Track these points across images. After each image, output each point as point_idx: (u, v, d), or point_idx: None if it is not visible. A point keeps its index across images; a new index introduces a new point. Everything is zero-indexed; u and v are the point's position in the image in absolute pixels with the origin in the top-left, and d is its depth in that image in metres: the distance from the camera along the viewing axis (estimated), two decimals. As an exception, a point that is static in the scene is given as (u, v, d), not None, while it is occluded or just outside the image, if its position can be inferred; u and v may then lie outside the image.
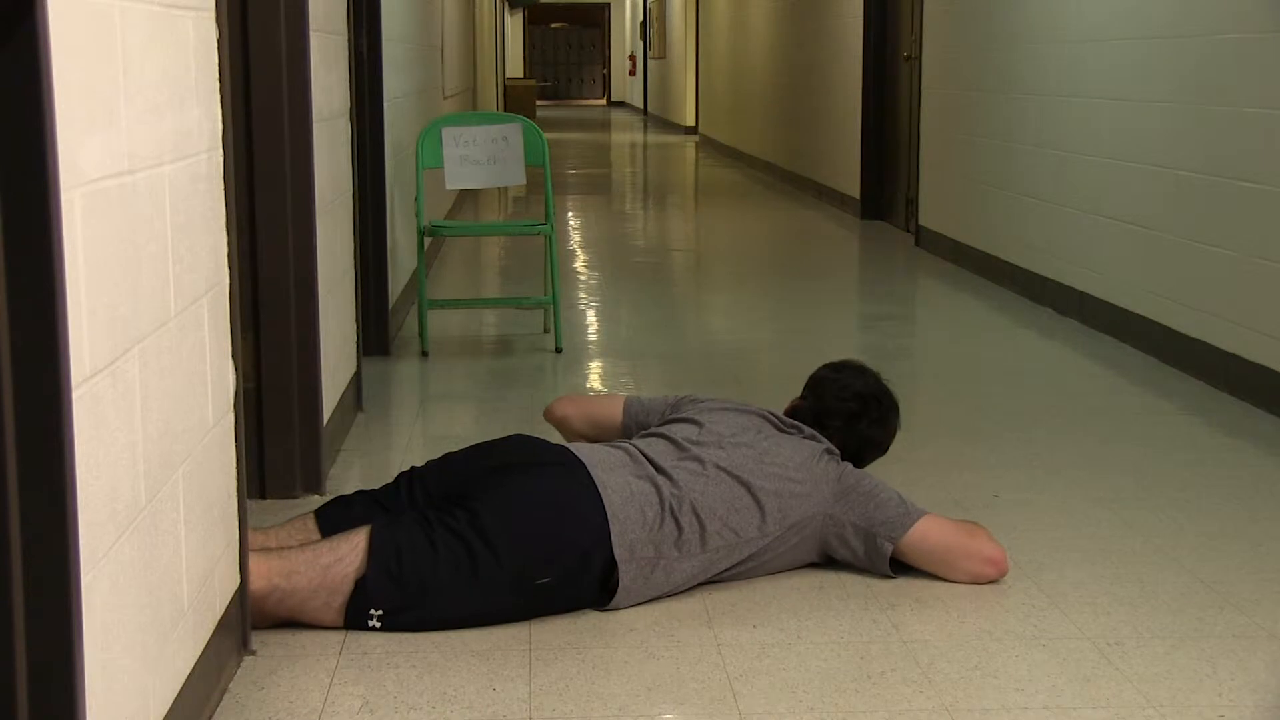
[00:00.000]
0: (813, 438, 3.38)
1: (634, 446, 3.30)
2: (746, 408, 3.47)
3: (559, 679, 2.79)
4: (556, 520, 3.05)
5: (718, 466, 3.21)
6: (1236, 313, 5.13)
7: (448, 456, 3.30)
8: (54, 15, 1.80)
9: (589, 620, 3.07)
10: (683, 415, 3.45)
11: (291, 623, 2.99)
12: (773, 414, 3.46)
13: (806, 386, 3.60)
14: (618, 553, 3.05)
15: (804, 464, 3.28)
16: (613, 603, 3.09)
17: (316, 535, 3.14)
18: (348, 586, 2.94)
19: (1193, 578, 3.34)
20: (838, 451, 3.39)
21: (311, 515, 3.22)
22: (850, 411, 3.49)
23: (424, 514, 3.06)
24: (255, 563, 2.91)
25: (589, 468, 3.14)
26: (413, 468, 3.32)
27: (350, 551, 2.96)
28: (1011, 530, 3.65)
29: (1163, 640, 2.98)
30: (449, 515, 3.02)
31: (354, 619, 2.97)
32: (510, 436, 3.41)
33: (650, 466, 3.20)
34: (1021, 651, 2.92)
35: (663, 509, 3.11)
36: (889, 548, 3.21)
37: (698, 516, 3.13)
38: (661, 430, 3.41)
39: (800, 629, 3.03)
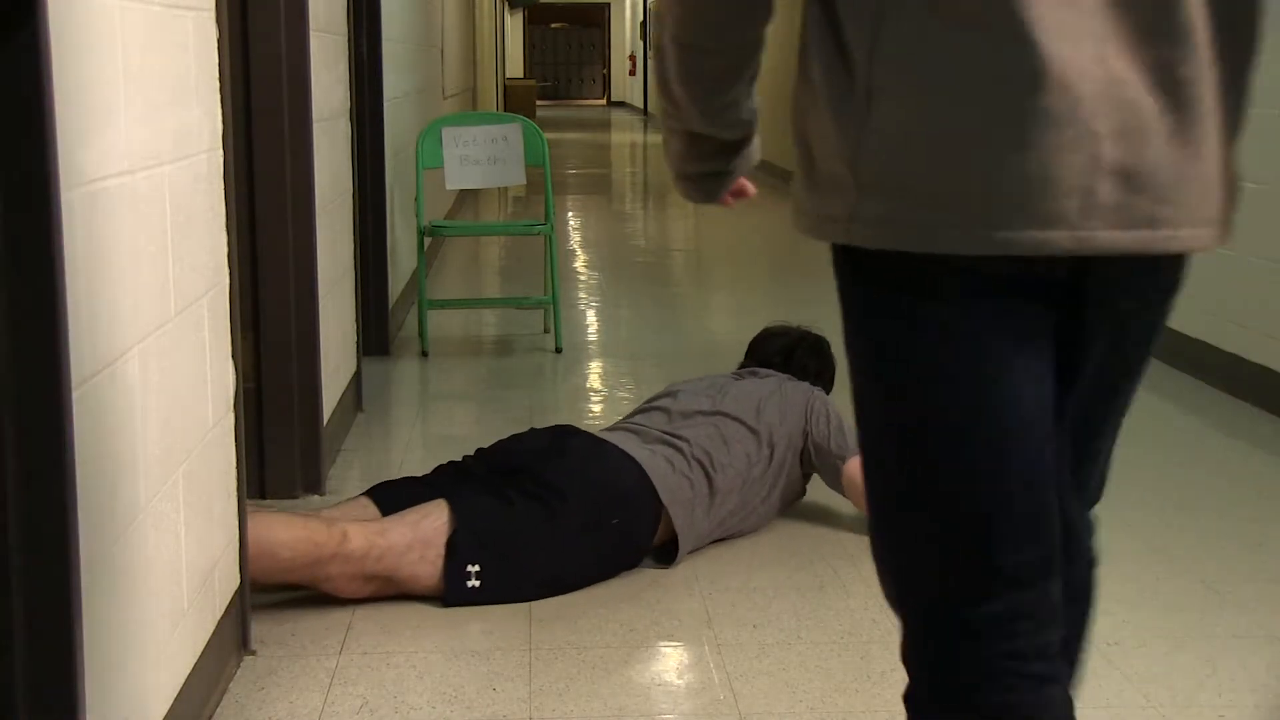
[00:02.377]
0: (769, 375, 3.81)
1: (630, 425, 3.61)
2: (701, 378, 3.88)
3: (559, 679, 2.79)
4: (610, 470, 3.31)
5: (707, 414, 3.57)
6: (1236, 313, 5.13)
7: (480, 450, 3.50)
8: (54, 15, 1.80)
9: (589, 620, 3.07)
10: (654, 403, 3.77)
11: (395, 593, 3.12)
12: (728, 375, 3.89)
13: (746, 354, 4.10)
14: (663, 497, 3.31)
15: (775, 390, 3.69)
16: (679, 552, 3.36)
17: (376, 513, 3.25)
18: (440, 539, 3.09)
19: (1193, 578, 3.34)
20: (794, 378, 3.84)
21: (365, 497, 3.33)
22: (784, 347, 3.99)
23: (489, 483, 3.27)
24: (350, 526, 3.05)
25: (613, 443, 3.41)
26: (451, 461, 3.49)
27: (435, 511, 3.13)
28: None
29: (1163, 640, 2.98)
30: (512, 481, 3.25)
31: (454, 579, 3.10)
32: (528, 431, 3.61)
33: (654, 433, 3.51)
34: (1021, 651, 2.92)
35: (686, 459, 3.41)
36: (840, 465, 3.57)
37: (711, 458, 3.44)
38: (644, 411, 3.73)
39: (800, 629, 3.03)
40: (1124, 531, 3.66)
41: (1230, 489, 4.05)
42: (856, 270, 1.49)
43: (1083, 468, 1.62)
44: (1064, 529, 1.54)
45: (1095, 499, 1.68)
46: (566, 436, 3.43)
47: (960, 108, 1.39)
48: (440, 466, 3.47)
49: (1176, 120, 1.43)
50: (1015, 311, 1.45)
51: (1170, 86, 1.42)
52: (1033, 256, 1.41)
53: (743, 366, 4.05)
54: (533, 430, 3.58)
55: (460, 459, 3.50)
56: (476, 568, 3.10)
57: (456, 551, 3.09)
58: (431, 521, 3.11)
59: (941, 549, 1.50)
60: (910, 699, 1.54)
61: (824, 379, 3.98)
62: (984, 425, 1.46)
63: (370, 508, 3.27)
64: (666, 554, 3.38)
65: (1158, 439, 4.59)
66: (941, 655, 1.50)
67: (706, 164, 1.72)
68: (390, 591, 3.11)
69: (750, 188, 1.83)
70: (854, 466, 3.48)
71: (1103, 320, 1.53)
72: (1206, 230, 1.50)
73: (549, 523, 3.16)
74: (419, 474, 3.48)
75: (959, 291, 1.44)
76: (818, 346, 4.03)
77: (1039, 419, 1.48)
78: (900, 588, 1.55)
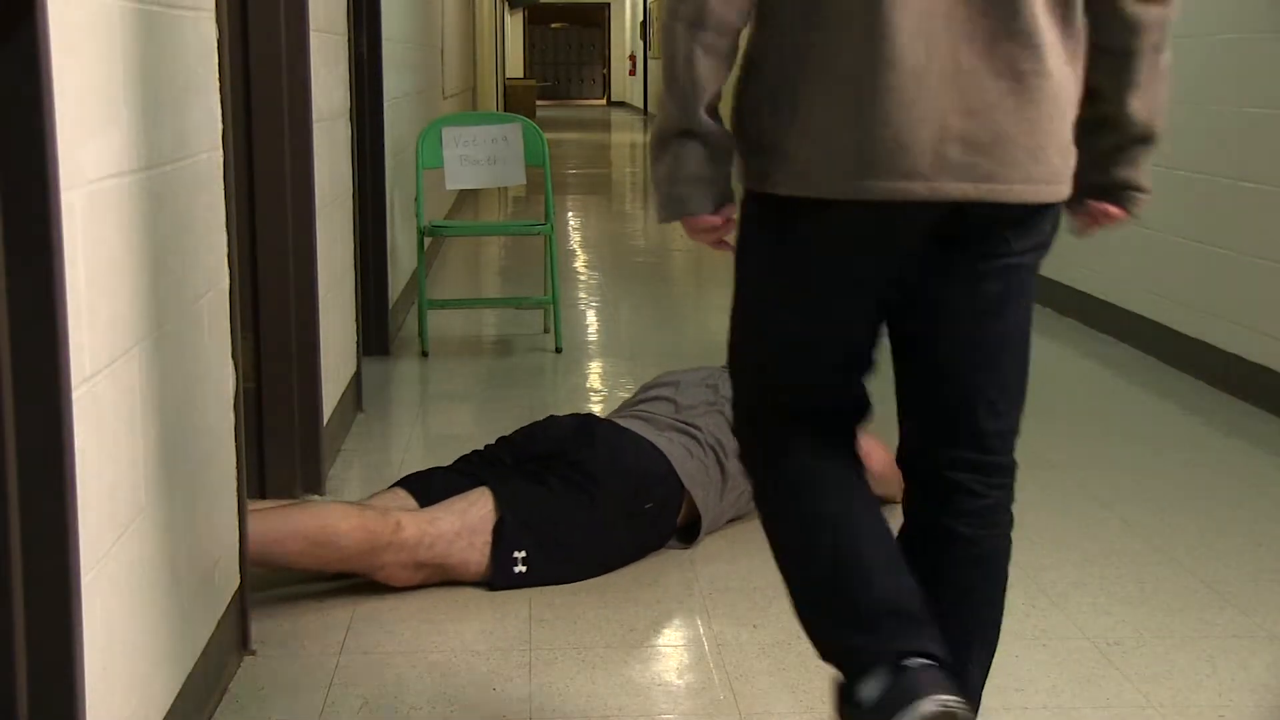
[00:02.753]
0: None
1: (640, 414, 3.70)
2: (697, 368, 4.00)
3: (559, 679, 2.79)
4: (638, 456, 3.43)
5: (711, 404, 3.69)
6: (1236, 313, 5.13)
7: (502, 439, 3.62)
8: (54, 15, 1.80)
9: (589, 620, 3.07)
10: (656, 391, 3.88)
11: (444, 580, 3.21)
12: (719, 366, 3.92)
13: None
14: (685, 481, 3.44)
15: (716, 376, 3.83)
16: (700, 532, 3.49)
17: (414, 503, 3.32)
18: (487, 526, 3.19)
19: (1193, 578, 3.34)
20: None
21: (400, 488, 3.41)
22: None
23: (526, 471, 3.37)
24: (402, 515, 3.14)
25: (634, 431, 3.53)
26: (475, 450, 3.60)
27: (480, 498, 3.23)
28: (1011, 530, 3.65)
29: (1163, 640, 2.98)
30: (548, 469, 3.35)
31: (501, 564, 3.20)
32: (548, 419, 3.73)
33: (666, 421, 3.62)
34: (1021, 651, 2.92)
35: (701, 446, 3.54)
36: None
37: (722, 445, 3.54)
38: (648, 400, 3.82)
39: (800, 629, 3.03)
40: (1124, 531, 3.66)
41: (1230, 488, 4.05)
42: (769, 209, 1.99)
43: (987, 386, 2.04)
44: (978, 437, 2.05)
45: (1016, 432, 2.09)
46: (591, 424, 3.56)
47: (840, 93, 1.88)
48: (465, 456, 3.58)
49: (1016, 101, 1.89)
50: (876, 250, 1.98)
51: (1014, 76, 1.88)
52: (903, 203, 1.89)
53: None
54: (553, 418, 3.72)
55: (483, 448, 3.61)
56: (523, 553, 3.21)
57: (504, 537, 3.20)
58: (478, 509, 3.21)
59: (754, 375, 2.14)
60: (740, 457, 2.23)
61: None
62: (812, 312, 2.03)
63: (407, 498, 3.35)
64: (687, 534, 3.53)
65: (1158, 439, 4.59)
66: (748, 428, 2.18)
67: (700, 168, 1.99)
68: (438, 579, 3.20)
69: (733, 212, 2.06)
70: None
71: (958, 264, 1.98)
72: (1044, 186, 1.94)
73: (588, 508, 3.29)
74: (439, 466, 3.57)
75: (839, 229, 1.96)
76: None
77: (861, 332, 2.08)
78: (734, 392, 2.19)
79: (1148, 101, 2.05)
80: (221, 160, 2.79)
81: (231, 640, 2.81)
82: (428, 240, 6.80)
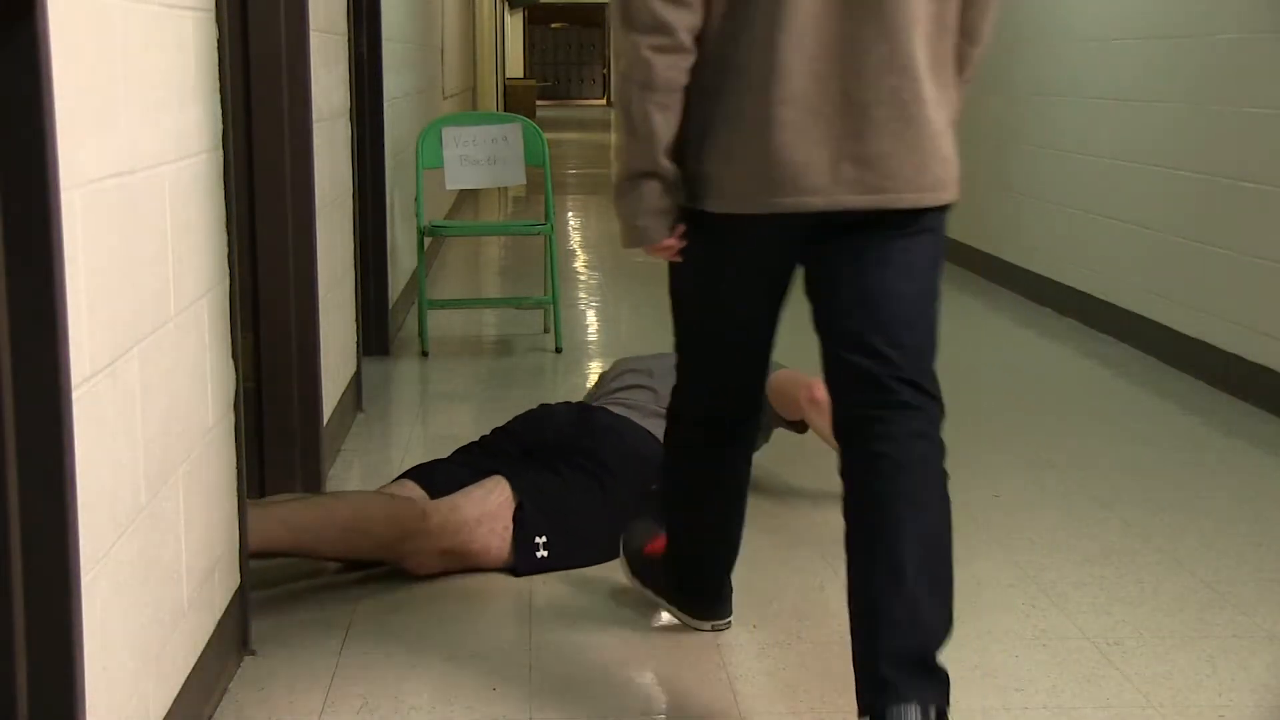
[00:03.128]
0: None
1: (622, 400, 3.74)
2: (665, 354, 4.03)
3: (559, 679, 2.79)
4: (638, 441, 3.50)
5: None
6: (1236, 313, 5.13)
7: (499, 429, 3.67)
8: (54, 15, 1.80)
9: (589, 620, 3.07)
10: (630, 380, 3.91)
11: (466, 566, 3.27)
12: None
13: None
14: None
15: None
16: None
17: (424, 495, 3.35)
18: (507, 513, 3.26)
19: (1193, 578, 3.34)
20: None
21: (408, 480, 3.43)
22: None
23: (536, 459, 3.42)
24: (427, 504, 3.21)
25: (629, 418, 3.60)
26: (471, 442, 3.64)
27: (497, 487, 3.29)
28: (1011, 530, 3.65)
29: (1163, 640, 2.98)
30: (559, 457, 3.41)
31: (524, 549, 3.27)
32: (541, 407, 3.79)
33: (651, 409, 3.66)
34: (1021, 651, 2.92)
35: None
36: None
37: None
38: (626, 387, 3.87)
39: (800, 629, 3.03)
40: (1124, 531, 3.66)
41: (1230, 488, 4.05)
42: (699, 223, 2.43)
43: (893, 330, 2.41)
44: (882, 361, 2.41)
45: (926, 358, 2.48)
46: (589, 413, 3.64)
47: (750, 129, 2.31)
48: (464, 447, 3.62)
49: (899, 125, 2.31)
50: (780, 249, 2.47)
51: (896, 103, 2.30)
52: (802, 213, 2.34)
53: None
54: (546, 406, 3.78)
55: (479, 440, 3.65)
56: (544, 539, 3.28)
57: (525, 524, 3.27)
58: (496, 497, 3.27)
59: (694, 369, 2.68)
60: (670, 434, 2.78)
61: None
62: (731, 310, 2.57)
63: (416, 489, 3.39)
64: None
65: (1158, 439, 4.59)
66: (683, 416, 2.73)
67: (659, 202, 2.41)
68: (460, 566, 3.26)
69: (680, 231, 2.46)
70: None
71: (845, 249, 2.41)
72: (927, 194, 2.36)
73: (600, 494, 3.37)
74: (439, 459, 3.60)
75: (753, 235, 2.42)
76: None
77: (764, 318, 2.59)
78: (679, 381, 2.72)
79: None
80: (221, 160, 2.79)
81: (231, 640, 2.81)
82: (428, 240, 6.80)
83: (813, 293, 2.50)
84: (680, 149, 2.40)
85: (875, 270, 2.40)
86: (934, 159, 2.35)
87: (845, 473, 2.42)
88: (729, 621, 2.99)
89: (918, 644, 2.25)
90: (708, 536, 2.85)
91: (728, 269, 2.50)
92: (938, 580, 2.32)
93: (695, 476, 2.78)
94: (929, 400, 2.44)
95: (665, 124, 2.36)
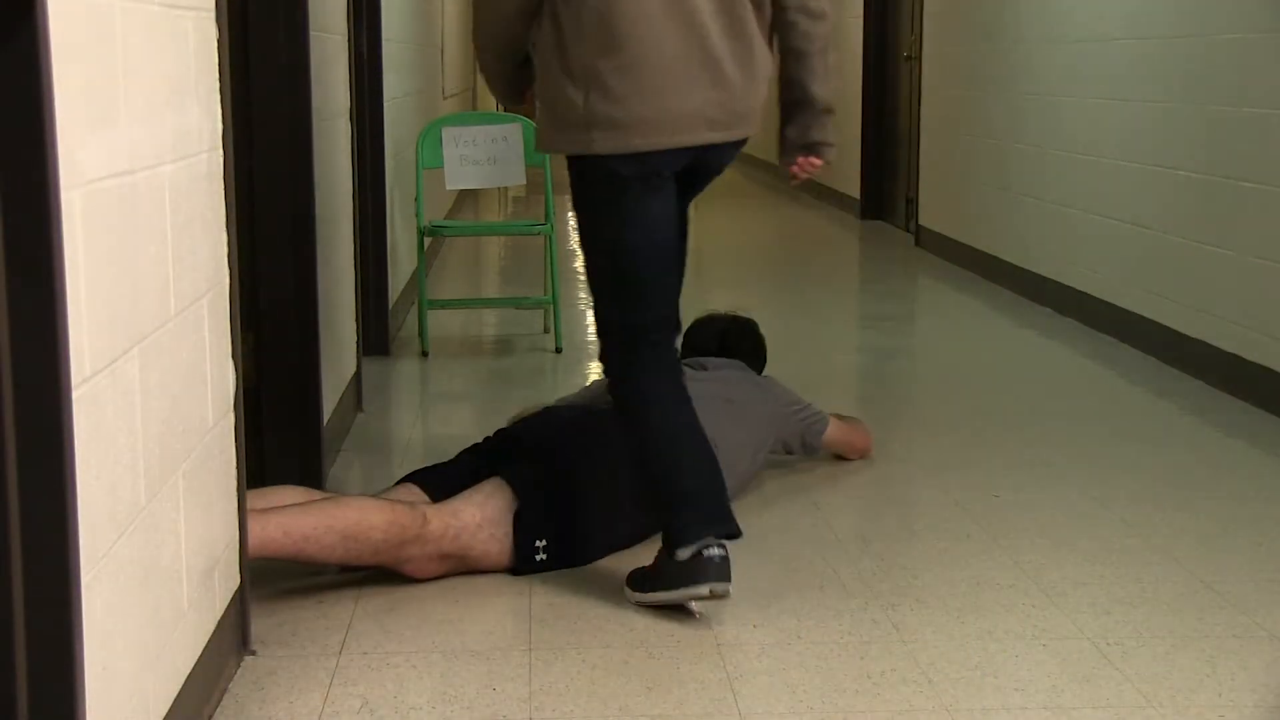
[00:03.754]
0: (715, 370, 4.03)
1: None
2: None
3: (559, 679, 2.79)
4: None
5: (707, 399, 3.71)
6: (1236, 313, 5.13)
7: (501, 430, 3.66)
8: (54, 15, 1.80)
9: (589, 620, 3.07)
10: None
11: (465, 570, 3.28)
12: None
13: (682, 344, 4.41)
14: None
15: (749, 382, 4.01)
16: None
17: (426, 498, 3.36)
18: (506, 517, 3.26)
19: (1193, 578, 3.34)
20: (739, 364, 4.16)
21: (410, 484, 3.44)
22: (719, 333, 4.28)
23: (535, 460, 3.41)
24: (427, 509, 3.22)
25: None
26: (474, 444, 3.64)
27: (497, 490, 3.30)
28: (1011, 530, 3.65)
29: (1163, 640, 2.98)
30: (560, 459, 3.40)
31: (523, 552, 3.28)
32: (541, 410, 3.80)
33: None
34: (1021, 651, 2.92)
35: None
36: (818, 441, 4.11)
37: (713, 440, 3.51)
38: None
39: (800, 629, 3.03)
40: (1124, 530, 3.66)
41: (1230, 488, 4.05)
42: (591, 165, 3.06)
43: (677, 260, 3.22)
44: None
45: (681, 271, 3.25)
46: (588, 413, 3.65)
47: (639, 86, 2.99)
48: (467, 449, 3.62)
49: (742, 78, 3.08)
50: (662, 182, 3.09)
51: (740, 63, 3.07)
52: (685, 147, 3.06)
53: (682, 358, 4.25)
54: (545, 409, 3.80)
55: (482, 440, 3.65)
56: (543, 541, 3.30)
57: (524, 527, 3.28)
58: (496, 500, 3.28)
59: (614, 301, 3.18)
60: (608, 375, 3.28)
61: (758, 356, 4.30)
62: (638, 240, 3.11)
63: (419, 493, 3.39)
64: None
65: (1158, 439, 4.59)
66: (612, 352, 3.21)
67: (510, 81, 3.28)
68: (460, 569, 3.27)
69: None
70: (828, 439, 4.12)
71: (702, 177, 3.21)
72: (751, 129, 3.15)
73: (600, 491, 3.38)
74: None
75: (638, 172, 3.05)
76: (748, 328, 4.34)
77: (668, 238, 3.15)
78: (597, 320, 3.22)
79: (824, 86, 3.18)
80: (221, 160, 2.79)
81: (231, 640, 2.82)
82: (428, 240, 6.80)
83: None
84: (560, 107, 3.05)
85: (683, 219, 3.26)
86: (758, 104, 3.15)
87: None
88: (728, 587, 3.05)
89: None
90: (679, 431, 3.17)
91: (629, 198, 3.08)
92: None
93: (640, 383, 3.18)
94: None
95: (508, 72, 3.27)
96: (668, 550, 3.09)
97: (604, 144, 3.00)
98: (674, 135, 3.02)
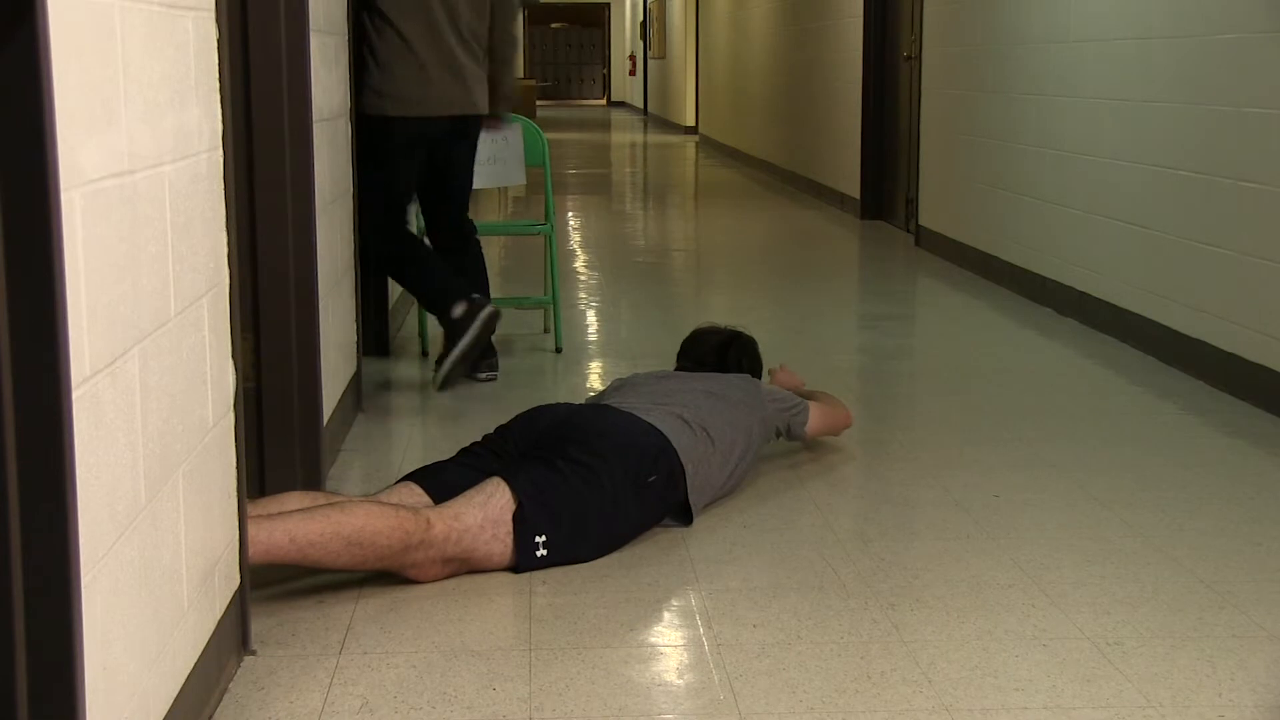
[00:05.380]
0: (716, 371, 4.20)
1: (621, 406, 3.75)
2: (665, 375, 4.20)
3: (559, 679, 2.79)
4: (634, 433, 3.56)
5: (692, 393, 3.87)
6: (1236, 313, 5.13)
7: (501, 428, 3.71)
8: (54, 15, 1.80)
9: (589, 620, 3.07)
10: (628, 391, 3.95)
11: (467, 571, 3.30)
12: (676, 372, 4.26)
13: (679, 355, 4.47)
14: (681, 455, 3.59)
15: (738, 381, 4.06)
16: (693, 509, 3.65)
17: (427, 498, 3.40)
18: (507, 516, 3.29)
19: (1193, 578, 3.34)
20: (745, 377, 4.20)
21: (411, 483, 3.48)
22: (718, 346, 4.34)
23: (534, 458, 3.45)
24: (430, 513, 3.23)
25: (624, 410, 3.69)
26: (474, 442, 3.69)
27: (497, 489, 3.32)
28: (1011, 530, 3.65)
29: (1163, 640, 2.98)
30: (557, 453, 3.45)
31: (523, 549, 3.31)
32: (536, 409, 3.82)
33: (649, 406, 3.73)
34: (1021, 651, 2.92)
35: (688, 424, 3.69)
36: (801, 431, 4.21)
37: (706, 429, 3.73)
38: (619, 393, 3.92)
39: (800, 629, 3.03)
40: (1123, 531, 3.66)
41: (1230, 488, 4.05)
42: (380, 122, 5.11)
43: (453, 201, 5.50)
44: (454, 225, 5.58)
45: (463, 213, 5.56)
46: (585, 408, 3.73)
47: (411, 74, 5.12)
48: (467, 447, 3.66)
49: (471, 73, 5.26)
50: (416, 143, 5.21)
51: (472, 61, 5.28)
52: (435, 117, 5.20)
53: (679, 368, 4.38)
54: (540, 407, 3.81)
55: (482, 439, 3.68)
56: (543, 538, 3.32)
57: (524, 524, 3.30)
58: (497, 500, 3.30)
59: (373, 204, 5.15)
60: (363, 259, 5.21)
61: (754, 374, 4.35)
62: (396, 180, 5.23)
63: (420, 493, 3.43)
64: (685, 514, 3.66)
65: (1157, 439, 4.59)
66: (369, 224, 5.15)
67: None
68: (464, 570, 3.29)
69: None
70: (811, 427, 4.22)
71: (450, 146, 5.33)
72: (482, 107, 5.34)
73: (598, 487, 3.40)
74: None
75: (403, 132, 5.16)
76: (748, 346, 4.40)
77: (409, 183, 5.31)
78: (360, 215, 5.01)
79: (509, 81, 5.43)
80: (221, 160, 2.79)
81: (231, 640, 2.82)
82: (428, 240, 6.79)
83: (430, 178, 5.45)
84: (370, 77, 5.02)
85: (462, 167, 5.49)
86: (482, 92, 5.31)
87: (439, 248, 5.52)
88: (496, 309, 5.26)
89: None
90: (426, 256, 5.32)
91: (395, 150, 5.14)
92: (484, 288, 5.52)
93: (395, 247, 5.24)
94: (469, 232, 5.64)
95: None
96: (445, 320, 5.12)
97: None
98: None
